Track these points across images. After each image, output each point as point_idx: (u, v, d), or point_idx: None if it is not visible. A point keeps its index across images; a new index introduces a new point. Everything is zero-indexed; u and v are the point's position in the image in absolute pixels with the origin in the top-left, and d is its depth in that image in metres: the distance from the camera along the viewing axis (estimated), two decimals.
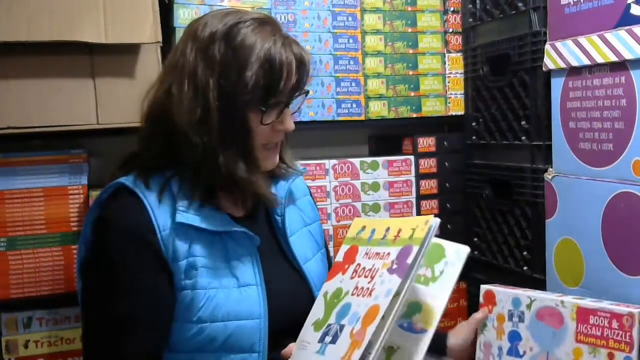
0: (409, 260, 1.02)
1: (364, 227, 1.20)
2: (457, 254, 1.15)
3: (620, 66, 1.42)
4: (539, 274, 1.72)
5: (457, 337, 1.38)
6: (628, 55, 1.39)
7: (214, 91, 1.14)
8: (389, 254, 1.07)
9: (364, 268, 1.10)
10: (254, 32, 1.18)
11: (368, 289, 1.04)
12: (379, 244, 1.12)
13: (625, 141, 1.42)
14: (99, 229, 1.16)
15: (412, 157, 2.04)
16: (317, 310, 1.12)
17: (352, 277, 1.11)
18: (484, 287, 1.43)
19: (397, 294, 1.00)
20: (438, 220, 1.06)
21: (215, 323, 1.12)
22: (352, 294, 1.07)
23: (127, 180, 1.18)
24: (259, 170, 1.22)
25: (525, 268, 1.79)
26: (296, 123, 1.90)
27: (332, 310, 1.08)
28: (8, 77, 1.61)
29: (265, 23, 1.21)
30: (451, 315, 2.10)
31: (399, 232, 1.10)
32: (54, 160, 1.78)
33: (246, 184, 1.19)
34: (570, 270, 1.60)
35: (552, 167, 1.66)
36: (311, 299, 1.19)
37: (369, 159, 2.00)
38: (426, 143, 2.07)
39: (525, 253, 1.79)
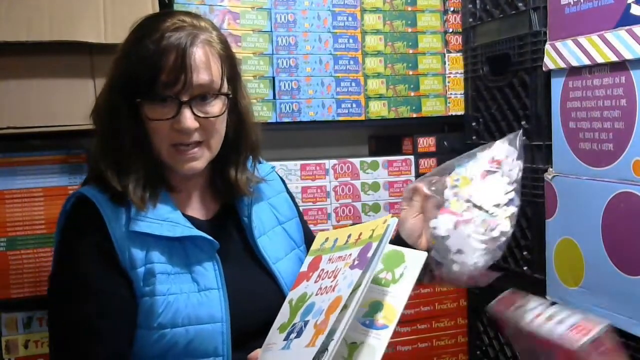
0: (369, 254, 1.06)
1: (326, 239, 1.24)
2: (415, 259, 1.18)
3: (621, 66, 1.42)
4: (539, 274, 1.72)
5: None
6: (628, 55, 1.39)
7: (111, 82, 1.18)
8: (350, 254, 1.11)
9: (327, 271, 1.14)
10: (146, 26, 1.17)
11: (331, 286, 1.08)
12: (341, 249, 1.16)
13: (625, 141, 1.42)
14: (62, 239, 1.16)
15: (412, 157, 2.05)
16: (282, 316, 1.15)
17: (315, 282, 1.14)
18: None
19: (358, 285, 1.03)
20: (396, 219, 1.12)
21: (176, 328, 1.12)
22: (316, 295, 1.10)
23: (86, 189, 1.17)
24: (177, 171, 1.20)
25: (525, 268, 1.79)
26: (296, 123, 1.95)
27: (297, 312, 1.11)
28: (8, 77, 1.62)
29: (168, 16, 1.18)
30: (451, 316, 2.10)
31: (359, 235, 1.14)
32: (54, 160, 1.78)
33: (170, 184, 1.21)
34: (571, 270, 1.60)
35: (552, 167, 1.66)
36: (281, 299, 1.20)
37: (369, 159, 2.00)
38: (426, 143, 2.07)
39: (525, 253, 1.79)
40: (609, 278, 1.47)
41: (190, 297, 1.13)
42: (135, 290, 1.12)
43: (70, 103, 1.64)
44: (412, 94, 2.05)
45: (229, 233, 1.27)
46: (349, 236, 1.17)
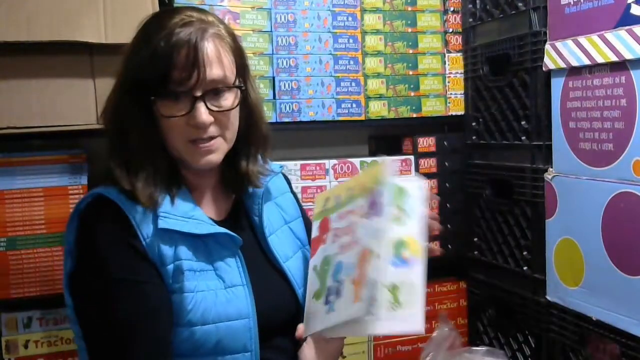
0: (382, 199, 1.08)
1: (327, 199, 1.25)
2: (416, 189, 1.22)
3: (621, 66, 1.42)
4: (539, 273, 1.73)
5: None
6: (628, 55, 1.39)
7: (120, 80, 1.19)
8: (361, 205, 1.13)
9: (341, 229, 1.15)
10: (154, 23, 1.17)
11: (353, 241, 1.10)
12: (347, 203, 1.17)
13: (625, 141, 1.42)
14: (85, 240, 1.13)
15: (412, 157, 2.04)
16: (312, 284, 1.16)
17: (333, 242, 1.15)
18: None
19: (380, 232, 1.06)
20: (389, 158, 1.15)
21: (205, 326, 1.12)
22: (340, 254, 1.12)
23: (104, 190, 1.15)
24: (194, 166, 1.19)
25: (525, 268, 1.79)
26: (296, 123, 1.95)
27: (326, 275, 1.13)
28: (8, 77, 1.61)
29: (174, 12, 1.17)
30: (451, 316, 2.10)
31: (362, 185, 1.15)
32: (54, 160, 1.78)
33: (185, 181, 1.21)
34: (571, 270, 1.60)
35: (552, 167, 1.67)
36: (294, 297, 1.22)
37: (368, 159, 2.00)
38: (426, 143, 2.07)
39: (525, 253, 1.80)
40: (609, 278, 1.48)
41: (218, 294, 1.13)
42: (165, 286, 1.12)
43: (70, 103, 1.64)
44: (412, 94, 2.06)
45: (243, 232, 1.27)
46: (350, 189, 1.18)
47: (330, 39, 1.98)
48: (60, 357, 1.80)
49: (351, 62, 2.00)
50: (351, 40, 2.00)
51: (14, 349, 1.78)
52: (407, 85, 2.05)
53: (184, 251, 1.13)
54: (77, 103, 1.65)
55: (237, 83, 1.19)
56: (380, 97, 2.02)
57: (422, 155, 2.07)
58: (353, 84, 2.00)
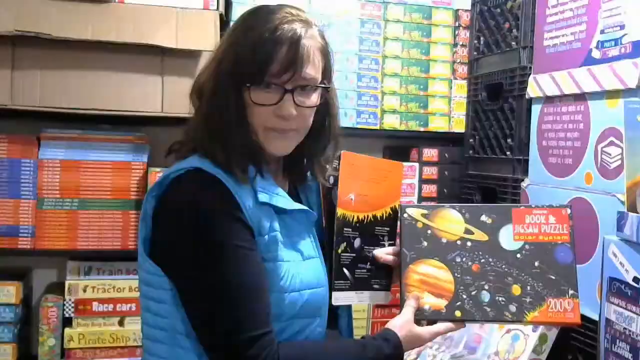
0: None
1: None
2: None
3: (581, 97, 1.78)
4: None
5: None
6: (587, 89, 1.75)
7: (220, 66, 1.22)
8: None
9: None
10: (258, 16, 1.21)
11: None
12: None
13: (580, 157, 1.77)
14: (180, 207, 1.17)
15: (417, 165, 2.41)
16: None
17: None
18: None
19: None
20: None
21: (293, 292, 1.19)
22: None
23: (201, 163, 1.19)
24: (268, 151, 1.25)
25: None
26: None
27: None
28: (95, 69, 2.02)
29: (278, 8, 1.23)
30: None
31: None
32: (121, 140, 2.18)
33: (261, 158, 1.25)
34: None
35: (527, 177, 2.02)
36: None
37: None
38: (430, 153, 2.44)
39: None
40: None
41: (300, 264, 1.22)
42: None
43: (142, 94, 2.05)
44: (422, 111, 2.43)
45: None
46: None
47: (356, 59, 2.37)
48: (111, 302, 2.16)
49: (372, 80, 2.38)
50: (373, 62, 2.38)
51: (75, 292, 2.15)
52: (418, 104, 2.43)
53: (276, 224, 1.20)
54: (148, 95, 2.06)
55: (323, 84, 1.25)
56: (394, 111, 2.40)
57: (425, 164, 2.44)
58: (372, 98, 2.38)
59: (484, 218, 1.45)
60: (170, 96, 2.06)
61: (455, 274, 1.42)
